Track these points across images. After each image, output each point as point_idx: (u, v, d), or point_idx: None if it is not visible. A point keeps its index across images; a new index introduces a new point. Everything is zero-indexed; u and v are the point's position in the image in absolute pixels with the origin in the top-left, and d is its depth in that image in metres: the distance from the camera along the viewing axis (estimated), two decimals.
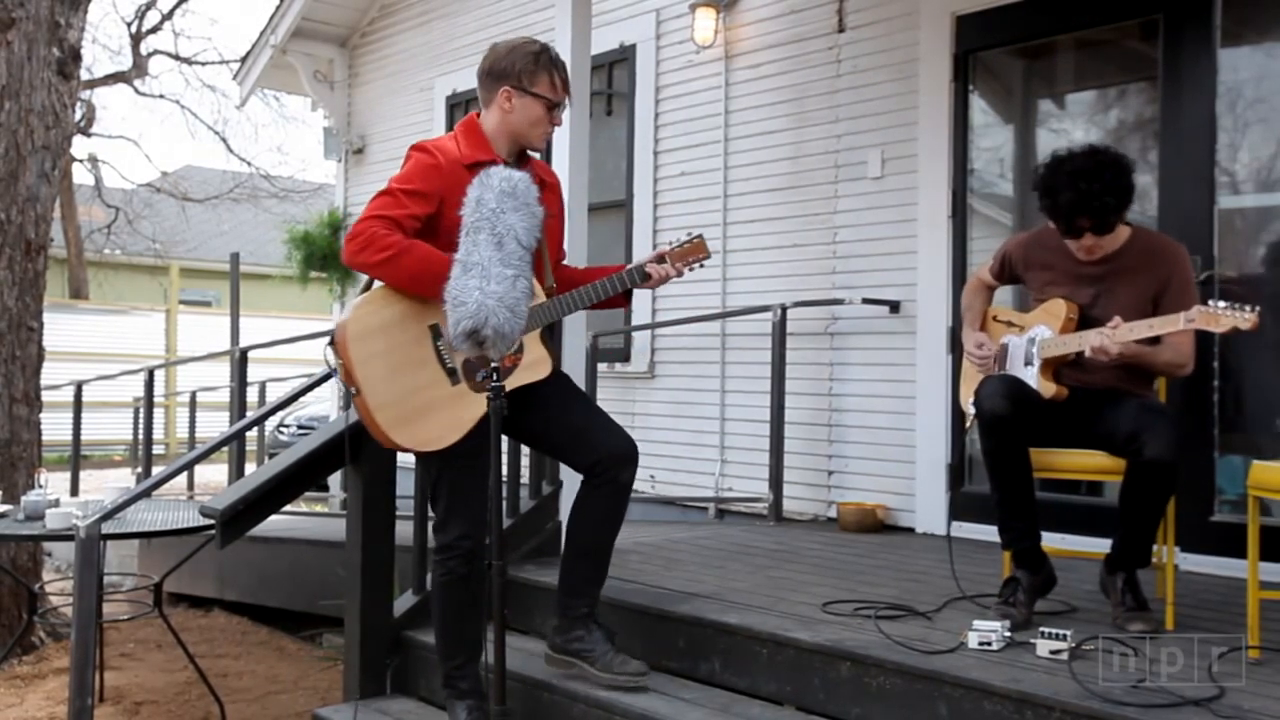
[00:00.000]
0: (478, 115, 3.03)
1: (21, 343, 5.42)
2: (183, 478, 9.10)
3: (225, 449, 7.14)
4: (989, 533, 3.67)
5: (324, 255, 8.46)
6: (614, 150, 6.50)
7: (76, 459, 9.90)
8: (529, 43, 2.99)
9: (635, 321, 6.17)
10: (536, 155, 3.17)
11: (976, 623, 2.83)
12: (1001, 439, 3.08)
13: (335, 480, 7.77)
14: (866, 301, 5.14)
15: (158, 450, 10.93)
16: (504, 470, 3.50)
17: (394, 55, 8.30)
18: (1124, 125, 4.63)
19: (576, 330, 4.19)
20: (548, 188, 3.02)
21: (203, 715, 4.41)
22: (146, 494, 3.81)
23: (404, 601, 3.65)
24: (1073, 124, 4.82)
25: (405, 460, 3.24)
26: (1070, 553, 3.44)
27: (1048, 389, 3.17)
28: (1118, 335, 2.98)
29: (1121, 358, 3.03)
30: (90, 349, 14.66)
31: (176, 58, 19.59)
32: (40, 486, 4.35)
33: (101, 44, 26.49)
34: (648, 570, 3.82)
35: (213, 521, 3.21)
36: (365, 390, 2.79)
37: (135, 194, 20.36)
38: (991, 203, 5.08)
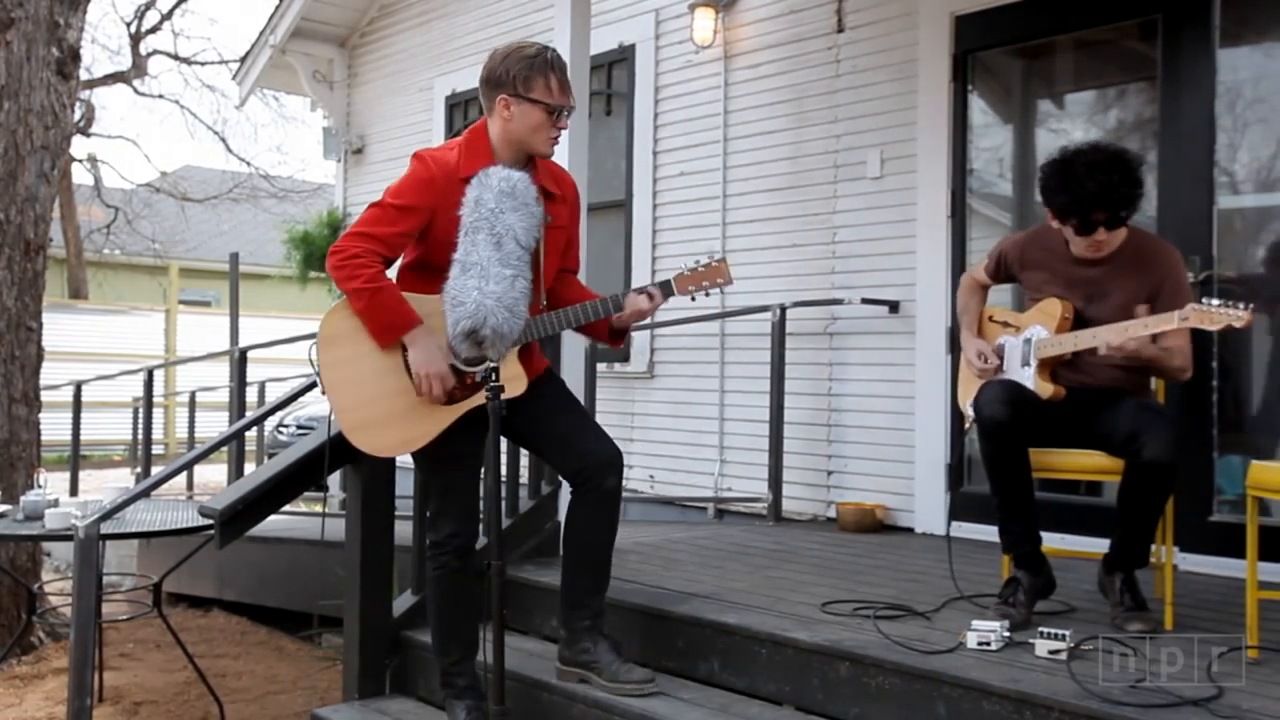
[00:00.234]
0: (485, 122, 2.93)
1: (21, 343, 5.42)
2: (182, 478, 9.11)
3: (224, 449, 7.15)
4: (988, 533, 3.67)
5: (323, 255, 8.42)
6: (613, 150, 6.50)
7: (76, 459, 9.91)
8: (525, 46, 2.88)
9: None
10: (559, 161, 3.10)
11: (975, 623, 2.84)
12: (1001, 444, 3.08)
13: (335, 480, 7.76)
14: (866, 301, 5.14)
15: (157, 450, 10.94)
16: (503, 470, 3.50)
17: (393, 55, 8.29)
18: (1123, 125, 4.63)
19: None
20: (557, 199, 2.94)
21: (202, 715, 4.41)
22: (146, 494, 3.82)
23: (403, 601, 3.65)
24: (1072, 124, 4.82)
25: (405, 460, 3.24)
26: (1069, 553, 3.44)
27: (1045, 389, 3.17)
28: (1131, 331, 2.97)
29: (1138, 358, 3.03)
30: (90, 349, 14.63)
31: (176, 58, 19.59)
32: (39, 486, 4.35)
33: (101, 44, 26.47)
34: (647, 570, 3.82)
35: (212, 521, 3.22)
36: (330, 393, 2.85)
37: (134, 194, 20.33)
38: (991, 203, 5.08)
